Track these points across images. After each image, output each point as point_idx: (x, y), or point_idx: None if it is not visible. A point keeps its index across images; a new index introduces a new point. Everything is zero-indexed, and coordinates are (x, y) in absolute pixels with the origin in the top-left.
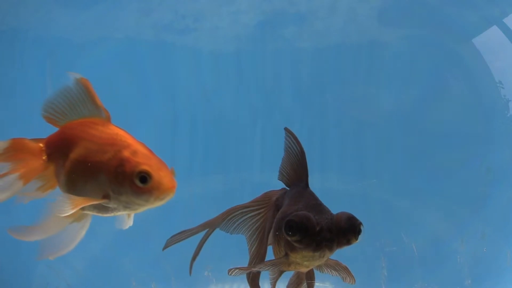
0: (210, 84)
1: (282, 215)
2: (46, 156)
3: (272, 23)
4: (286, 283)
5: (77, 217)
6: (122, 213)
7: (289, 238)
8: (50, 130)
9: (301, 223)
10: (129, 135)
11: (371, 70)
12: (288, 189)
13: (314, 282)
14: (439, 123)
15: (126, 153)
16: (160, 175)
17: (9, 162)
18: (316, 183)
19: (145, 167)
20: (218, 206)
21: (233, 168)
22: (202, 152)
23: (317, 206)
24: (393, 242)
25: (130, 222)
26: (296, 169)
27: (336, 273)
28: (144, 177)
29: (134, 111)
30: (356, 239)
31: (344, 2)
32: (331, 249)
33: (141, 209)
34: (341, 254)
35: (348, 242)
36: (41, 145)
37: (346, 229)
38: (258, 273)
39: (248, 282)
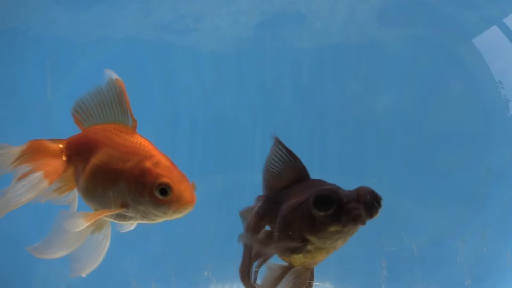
0: (210, 84)
1: (294, 206)
2: (66, 157)
3: (272, 23)
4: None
5: (97, 226)
6: (139, 222)
7: (321, 214)
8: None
9: (333, 196)
10: (152, 146)
11: (371, 70)
12: (267, 194)
13: (313, 282)
14: (439, 123)
15: (148, 164)
16: (181, 188)
17: (29, 163)
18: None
19: (166, 180)
20: (218, 206)
21: (233, 168)
22: (202, 152)
23: (333, 185)
24: (393, 242)
25: (131, 226)
26: (282, 173)
27: None
28: (165, 190)
29: (134, 111)
30: (377, 214)
31: (344, 2)
32: (359, 220)
33: (158, 220)
34: (341, 253)
35: (371, 215)
36: (61, 145)
37: (371, 202)
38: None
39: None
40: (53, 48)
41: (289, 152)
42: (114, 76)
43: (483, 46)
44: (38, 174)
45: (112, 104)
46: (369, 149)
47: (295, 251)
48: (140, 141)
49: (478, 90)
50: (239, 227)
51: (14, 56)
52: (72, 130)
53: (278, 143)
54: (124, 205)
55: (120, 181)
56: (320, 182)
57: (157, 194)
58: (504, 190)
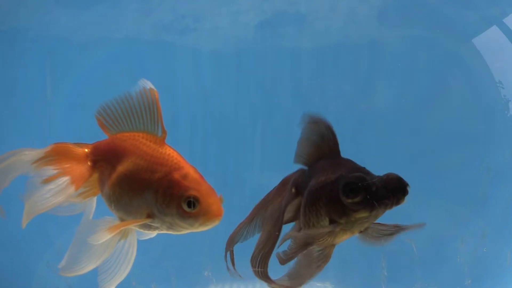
0: (210, 84)
1: (322, 184)
2: (91, 163)
3: (272, 23)
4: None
5: (122, 235)
6: (164, 232)
7: (349, 201)
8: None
9: (361, 184)
10: (181, 158)
11: (371, 70)
12: (306, 168)
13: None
14: (439, 123)
15: (176, 176)
16: (209, 202)
17: (54, 166)
18: None
19: (194, 193)
20: None
21: (233, 168)
22: (201, 152)
23: (362, 168)
24: (393, 242)
25: (151, 235)
26: (321, 145)
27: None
28: (192, 202)
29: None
30: (404, 200)
31: (344, 2)
32: (386, 208)
33: (184, 232)
34: (341, 254)
35: (398, 202)
36: (86, 150)
37: (398, 189)
38: (270, 252)
39: (259, 262)
40: (53, 48)
41: (329, 127)
42: (149, 85)
43: (483, 46)
44: (66, 178)
45: (143, 113)
46: (369, 149)
47: (325, 233)
48: (169, 152)
49: (478, 90)
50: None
51: (14, 56)
52: (72, 130)
53: (319, 117)
54: (150, 216)
55: (147, 192)
56: (350, 164)
57: (185, 207)
58: (504, 190)
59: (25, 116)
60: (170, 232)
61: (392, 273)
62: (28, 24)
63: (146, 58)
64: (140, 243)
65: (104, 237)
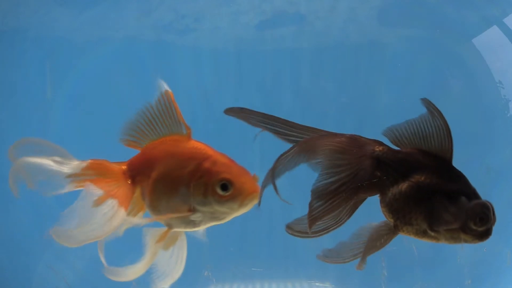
0: (210, 84)
1: (428, 189)
2: (130, 179)
3: (272, 23)
4: None
5: (171, 240)
6: (209, 224)
7: (474, 228)
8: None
9: (490, 216)
10: (209, 148)
11: (371, 70)
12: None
13: None
14: None
15: (206, 164)
16: (241, 181)
17: (93, 186)
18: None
19: (225, 175)
20: None
21: None
22: None
23: (475, 191)
24: (393, 242)
25: (202, 236)
26: (434, 136)
27: None
28: (225, 185)
29: (134, 111)
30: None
31: (344, 2)
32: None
33: (227, 218)
34: None
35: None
36: (123, 167)
37: (495, 220)
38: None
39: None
40: (53, 48)
41: (447, 126)
42: (164, 88)
43: (483, 46)
44: (114, 202)
45: (164, 118)
46: None
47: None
48: (196, 145)
49: (478, 90)
50: (239, 227)
51: (14, 56)
52: (72, 130)
53: (439, 113)
54: (190, 210)
55: (181, 187)
56: (466, 181)
57: (220, 191)
58: (504, 190)
59: (25, 116)
60: (214, 222)
61: (392, 273)
62: (28, 24)
63: (146, 58)
64: (140, 243)
65: (156, 243)
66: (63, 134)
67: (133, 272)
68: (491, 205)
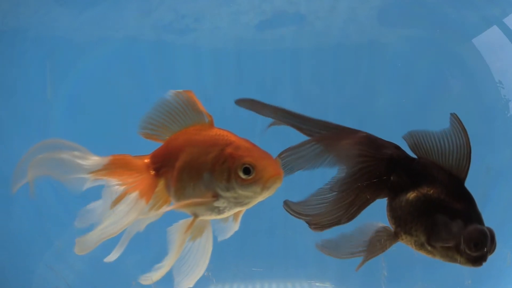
0: (210, 84)
1: (432, 205)
2: (154, 172)
3: (272, 23)
4: None
5: (198, 231)
6: (234, 210)
7: (468, 252)
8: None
9: (486, 243)
10: (231, 134)
11: (371, 70)
12: (412, 157)
13: None
14: (439, 123)
15: (229, 150)
16: (264, 164)
17: (116, 180)
18: (317, 182)
19: (248, 159)
20: None
21: None
22: None
23: (479, 216)
24: None
25: (235, 227)
26: (454, 154)
27: None
28: (248, 169)
29: (134, 111)
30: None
31: (344, 2)
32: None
33: (252, 203)
34: None
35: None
36: (146, 161)
37: (494, 249)
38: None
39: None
40: (53, 48)
41: (469, 147)
42: (180, 90)
43: (483, 46)
44: (134, 194)
45: (184, 109)
46: None
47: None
48: (219, 132)
49: (478, 90)
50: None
51: (14, 56)
52: (72, 130)
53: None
54: (214, 196)
55: (205, 174)
56: (472, 203)
57: (242, 175)
58: (504, 190)
59: (25, 116)
60: (238, 208)
61: (392, 273)
62: (28, 24)
63: (146, 58)
64: (140, 243)
65: (184, 232)
66: (63, 134)
67: (163, 270)
68: (490, 233)
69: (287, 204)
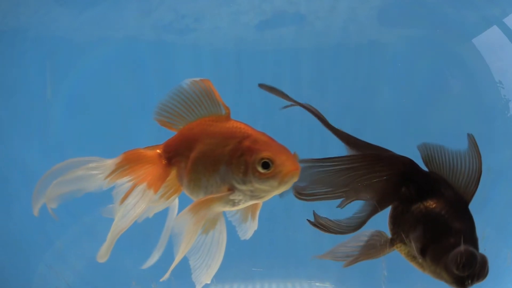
0: None
1: (429, 218)
2: (166, 161)
3: (272, 23)
4: None
5: (211, 224)
6: (248, 203)
7: (454, 271)
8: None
9: (475, 266)
10: (249, 127)
11: (371, 70)
12: (424, 170)
13: None
14: (439, 123)
15: (247, 143)
16: (282, 159)
17: (128, 176)
18: None
19: (266, 153)
20: None
21: None
22: None
23: (475, 241)
24: None
25: (254, 226)
26: (457, 175)
27: None
28: (266, 163)
29: (134, 111)
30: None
31: (344, 2)
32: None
33: (267, 197)
34: None
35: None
36: (158, 151)
37: (483, 276)
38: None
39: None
40: (53, 48)
41: (480, 171)
42: (198, 79)
43: (483, 46)
44: (141, 186)
45: (201, 99)
46: None
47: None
48: (236, 124)
49: (478, 90)
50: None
51: (14, 56)
52: (73, 130)
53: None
54: (230, 189)
55: (221, 166)
56: (470, 227)
57: (260, 169)
58: (504, 190)
59: (25, 116)
60: (253, 201)
61: (392, 273)
62: (28, 24)
63: (146, 58)
64: (140, 243)
65: (189, 219)
66: (63, 134)
67: (173, 264)
68: (483, 259)
69: (315, 218)
